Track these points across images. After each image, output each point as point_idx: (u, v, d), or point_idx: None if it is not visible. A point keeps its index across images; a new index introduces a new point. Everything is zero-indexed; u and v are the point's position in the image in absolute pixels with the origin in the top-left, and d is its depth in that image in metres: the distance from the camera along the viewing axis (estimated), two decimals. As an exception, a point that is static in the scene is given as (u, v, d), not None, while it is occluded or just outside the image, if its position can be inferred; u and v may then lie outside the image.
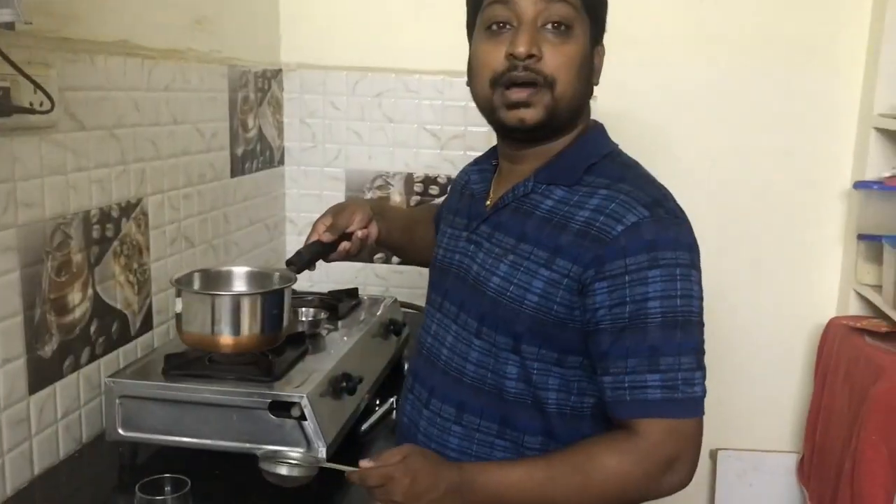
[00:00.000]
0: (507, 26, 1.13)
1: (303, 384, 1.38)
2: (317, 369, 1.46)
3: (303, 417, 1.31)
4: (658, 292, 1.05)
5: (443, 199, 1.60)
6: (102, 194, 1.47)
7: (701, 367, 1.08)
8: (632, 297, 1.06)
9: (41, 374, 1.34)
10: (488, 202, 1.25)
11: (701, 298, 1.10)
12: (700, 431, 1.09)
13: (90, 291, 1.45)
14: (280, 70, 2.29)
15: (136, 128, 1.56)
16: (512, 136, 1.21)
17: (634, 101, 2.22)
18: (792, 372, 2.38)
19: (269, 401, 1.33)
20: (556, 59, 1.12)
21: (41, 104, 1.23)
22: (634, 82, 2.20)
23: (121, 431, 1.37)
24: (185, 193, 1.77)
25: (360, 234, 1.38)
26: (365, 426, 1.56)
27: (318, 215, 1.43)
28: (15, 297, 1.26)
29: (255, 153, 2.15)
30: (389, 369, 1.78)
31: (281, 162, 2.34)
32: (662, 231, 1.07)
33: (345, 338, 1.67)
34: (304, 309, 1.75)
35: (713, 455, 2.42)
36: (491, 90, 1.15)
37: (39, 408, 1.34)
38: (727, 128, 2.27)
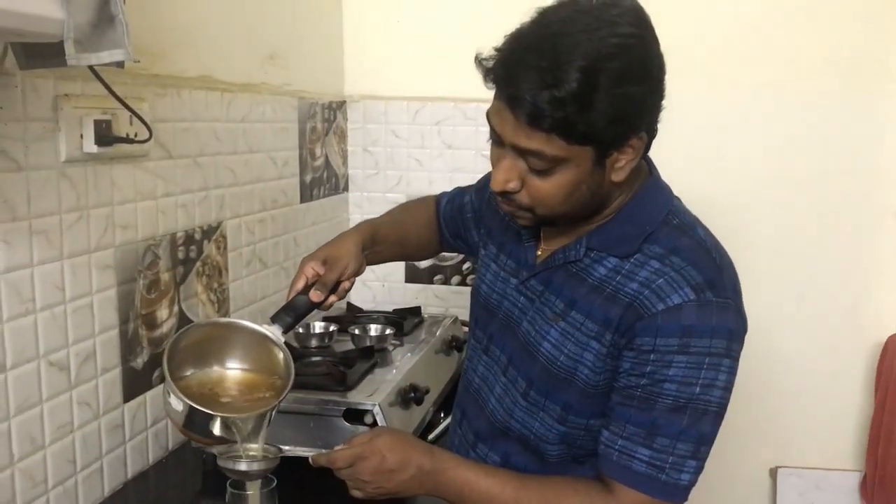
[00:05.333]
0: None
1: (374, 393, 1.46)
2: (386, 380, 1.54)
3: (375, 425, 1.39)
4: (678, 377, 1.04)
5: (451, 193, 1.55)
6: (187, 218, 1.58)
7: (697, 458, 1.06)
8: (650, 374, 1.05)
9: (133, 385, 1.44)
10: (539, 252, 1.22)
11: (727, 388, 1.07)
12: None
13: (176, 308, 1.55)
14: (344, 101, 2.40)
15: (216, 156, 1.68)
16: None
17: (693, 121, 2.25)
18: (852, 389, 2.37)
19: (344, 409, 1.41)
20: (533, 194, 1.07)
21: (136, 135, 1.35)
22: (693, 103, 2.23)
23: (206, 439, 1.46)
24: (259, 218, 1.88)
25: (346, 284, 1.30)
26: (430, 437, 1.63)
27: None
28: (112, 311, 1.37)
29: (322, 180, 2.26)
30: (452, 384, 1.85)
31: (345, 188, 2.44)
32: (704, 317, 1.04)
33: (409, 353, 1.75)
34: (371, 325, 1.84)
35: (773, 473, 2.42)
36: None
37: (132, 415, 1.45)
38: (788, 148, 2.29)
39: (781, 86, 2.27)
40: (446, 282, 2.46)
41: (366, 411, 1.40)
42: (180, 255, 1.56)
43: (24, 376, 1.19)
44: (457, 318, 2.08)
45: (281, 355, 1.19)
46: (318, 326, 1.84)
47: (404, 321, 1.92)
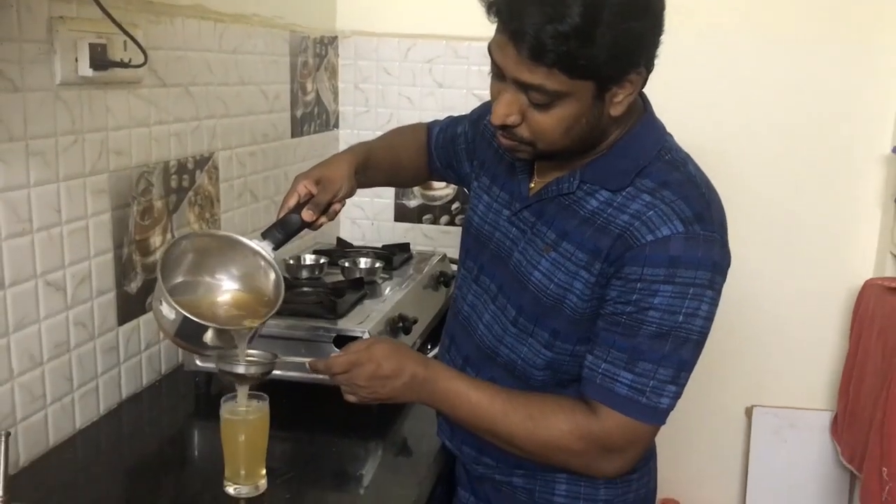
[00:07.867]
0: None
1: (364, 321, 1.50)
2: (375, 310, 1.58)
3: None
4: (663, 305, 1.07)
5: (444, 122, 1.54)
6: (180, 147, 1.59)
7: (677, 383, 1.10)
8: (636, 302, 1.08)
9: (128, 309, 1.47)
10: (532, 184, 1.24)
11: (708, 318, 1.11)
12: (652, 437, 1.16)
13: (169, 236, 1.58)
14: (336, 37, 2.39)
15: (208, 86, 1.68)
16: None
17: (677, 68, 2.25)
18: (828, 332, 2.44)
19: (334, 335, 1.45)
20: (534, 127, 1.09)
21: (130, 60, 1.35)
22: (687, 46, 2.23)
23: (198, 363, 1.50)
24: (250, 151, 1.90)
25: (337, 206, 1.30)
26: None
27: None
28: (107, 235, 1.40)
29: (313, 116, 2.27)
30: (439, 318, 1.89)
31: (336, 125, 2.45)
32: (690, 249, 1.07)
33: (398, 286, 1.78)
34: (361, 259, 1.87)
35: (748, 412, 2.50)
36: None
37: (126, 338, 1.48)
38: (778, 91, 2.32)
39: (774, 30, 2.28)
40: (435, 221, 2.49)
41: (356, 337, 1.44)
42: (173, 183, 1.58)
43: (23, 294, 1.22)
44: (445, 255, 2.12)
45: (272, 275, 1.21)
46: (309, 258, 1.86)
47: (393, 256, 1.95)
